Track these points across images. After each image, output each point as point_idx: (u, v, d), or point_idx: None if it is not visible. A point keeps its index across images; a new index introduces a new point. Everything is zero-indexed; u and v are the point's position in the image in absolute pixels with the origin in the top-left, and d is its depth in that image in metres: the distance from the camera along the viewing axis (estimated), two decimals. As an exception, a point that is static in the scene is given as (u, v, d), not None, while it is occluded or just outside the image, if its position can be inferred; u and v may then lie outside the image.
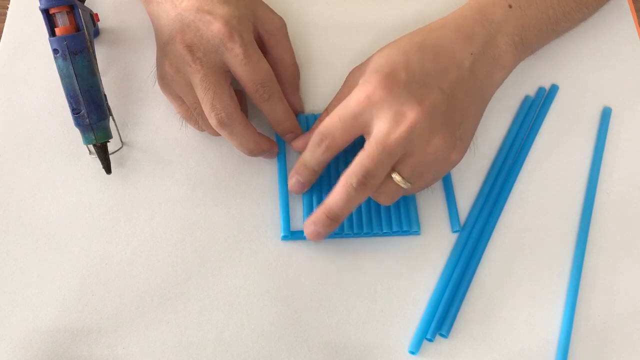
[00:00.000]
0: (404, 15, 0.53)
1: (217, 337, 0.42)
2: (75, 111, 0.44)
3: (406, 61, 0.42)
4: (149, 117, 0.48)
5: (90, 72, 0.44)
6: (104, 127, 0.45)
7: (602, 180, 0.48)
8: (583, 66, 0.52)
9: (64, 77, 0.43)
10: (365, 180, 0.40)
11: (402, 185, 0.42)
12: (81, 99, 0.43)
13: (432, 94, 0.41)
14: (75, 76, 0.43)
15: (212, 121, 0.43)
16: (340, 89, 0.47)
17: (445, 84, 0.42)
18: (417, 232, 0.45)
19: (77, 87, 0.43)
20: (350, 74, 0.47)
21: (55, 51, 0.43)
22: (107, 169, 0.45)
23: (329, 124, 0.42)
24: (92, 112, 0.44)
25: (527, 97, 0.51)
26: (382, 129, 0.40)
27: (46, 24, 0.44)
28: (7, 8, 0.52)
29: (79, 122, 0.44)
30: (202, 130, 0.46)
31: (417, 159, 0.41)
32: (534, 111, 0.50)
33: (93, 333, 0.42)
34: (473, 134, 0.44)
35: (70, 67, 0.43)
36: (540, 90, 0.51)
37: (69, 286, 0.43)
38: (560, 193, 0.48)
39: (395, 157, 0.40)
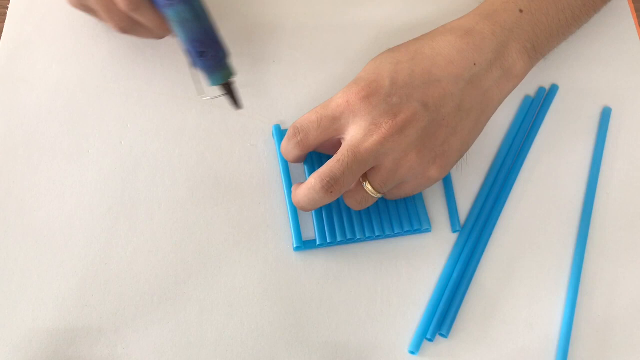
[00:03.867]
0: (407, 16, 0.53)
1: (217, 337, 0.42)
2: (200, 54, 0.41)
3: (394, 71, 0.41)
4: (149, 116, 0.48)
5: (206, 10, 0.42)
6: (228, 63, 0.43)
7: (602, 180, 0.48)
8: (583, 66, 0.52)
9: (184, 23, 0.41)
10: (329, 186, 0.40)
11: (372, 195, 0.42)
12: (205, 40, 0.41)
13: (411, 108, 0.40)
14: (196, 18, 0.41)
15: (123, 3, 0.41)
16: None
17: (431, 98, 0.41)
18: (428, 230, 0.45)
19: (199, 29, 0.41)
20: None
21: None
22: (238, 104, 0.44)
23: (306, 120, 0.42)
24: (217, 50, 0.42)
25: (527, 97, 0.51)
26: (355, 137, 0.40)
27: None
28: (7, 8, 0.52)
29: (206, 64, 0.42)
30: (115, 28, 0.45)
31: (389, 171, 0.40)
32: (534, 111, 0.50)
33: (93, 333, 0.42)
34: (462, 150, 0.43)
35: (191, 9, 0.41)
36: (540, 90, 0.51)
37: (69, 286, 0.43)
38: (560, 193, 0.48)
39: (365, 167, 0.40)
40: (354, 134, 0.40)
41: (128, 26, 0.44)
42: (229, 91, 0.43)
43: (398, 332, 0.43)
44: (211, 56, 0.42)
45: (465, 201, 0.47)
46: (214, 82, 0.43)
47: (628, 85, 0.52)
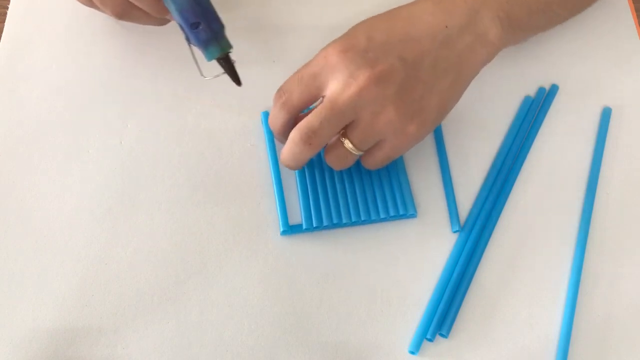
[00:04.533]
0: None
1: (217, 338, 0.42)
2: (193, 26, 0.41)
3: (370, 28, 0.42)
4: (149, 116, 0.48)
5: None
6: (223, 36, 0.42)
7: (602, 180, 0.48)
8: (583, 66, 0.52)
9: None
10: (307, 137, 0.40)
11: (353, 152, 0.42)
12: (198, 11, 0.41)
13: (388, 61, 0.41)
14: None
15: None
16: None
17: (408, 53, 0.41)
18: (413, 215, 0.46)
19: (191, 0, 0.40)
20: None
21: None
22: (238, 80, 0.43)
23: (289, 81, 0.43)
24: (211, 22, 0.41)
25: (527, 97, 0.51)
26: (333, 90, 0.40)
27: None
28: (7, 8, 0.52)
29: (200, 37, 0.41)
30: (111, 13, 0.45)
31: (367, 126, 0.41)
32: (534, 111, 0.50)
33: (93, 333, 0.42)
34: (440, 110, 0.43)
35: None
36: (540, 90, 0.51)
37: (69, 286, 0.43)
38: (560, 193, 0.48)
39: (343, 120, 0.41)
40: (332, 87, 0.41)
41: (124, 10, 0.44)
42: (228, 67, 0.43)
43: (398, 332, 0.43)
44: (204, 27, 0.41)
45: (465, 201, 0.47)
46: (210, 56, 0.42)
47: (628, 85, 0.52)
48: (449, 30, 0.43)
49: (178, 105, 0.49)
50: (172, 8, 0.41)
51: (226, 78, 0.43)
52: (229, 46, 0.42)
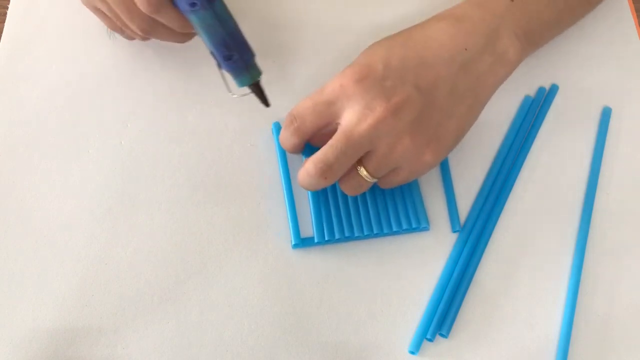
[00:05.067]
0: (408, 16, 0.53)
1: (217, 338, 0.42)
2: (226, 57, 0.41)
3: (387, 55, 0.41)
4: (149, 116, 0.48)
5: (229, 14, 0.41)
6: (254, 64, 0.43)
7: (602, 180, 0.48)
8: (583, 66, 0.52)
9: (207, 28, 0.41)
10: (322, 172, 0.40)
11: (367, 180, 0.42)
12: (231, 43, 0.41)
13: (405, 91, 0.40)
14: (220, 23, 0.41)
15: (143, 5, 0.40)
16: None
17: (424, 81, 0.41)
18: (426, 228, 0.45)
19: (224, 33, 0.41)
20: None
21: (192, 5, 0.40)
22: (266, 102, 0.44)
23: (302, 107, 0.42)
24: (243, 53, 0.42)
25: (527, 97, 0.51)
26: (349, 121, 0.40)
27: None
28: (7, 8, 0.52)
29: (232, 67, 0.42)
30: (132, 38, 0.46)
31: (383, 156, 0.41)
32: (534, 111, 0.50)
33: (93, 333, 0.42)
34: (457, 135, 0.43)
35: (213, 15, 0.40)
36: (540, 90, 0.51)
37: (69, 286, 0.43)
38: (560, 193, 0.48)
39: (359, 151, 0.40)
40: (348, 118, 0.40)
41: (149, 28, 0.43)
42: (257, 91, 0.43)
43: (398, 332, 0.43)
44: (237, 59, 0.42)
45: (465, 201, 0.47)
46: (241, 84, 0.43)
47: (628, 85, 0.52)
48: (468, 53, 0.42)
49: (178, 105, 0.49)
50: (206, 40, 0.41)
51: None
52: (259, 74, 0.43)
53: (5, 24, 0.51)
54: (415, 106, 0.40)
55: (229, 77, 0.43)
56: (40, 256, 0.44)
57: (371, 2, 0.53)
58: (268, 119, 0.48)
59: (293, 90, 0.50)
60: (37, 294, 0.43)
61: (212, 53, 0.42)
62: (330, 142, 0.40)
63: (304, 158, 0.45)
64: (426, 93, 0.41)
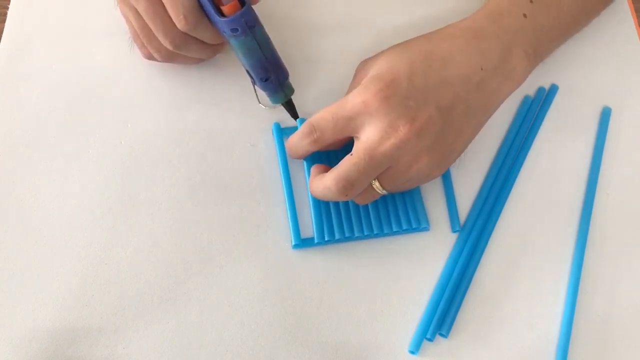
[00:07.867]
0: (407, 16, 0.53)
1: (217, 338, 0.42)
2: (263, 79, 0.44)
3: (410, 71, 0.41)
4: (149, 116, 0.48)
5: (268, 38, 0.43)
6: (288, 83, 0.46)
7: (602, 180, 0.48)
8: (583, 66, 0.52)
9: (248, 52, 0.43)
10: (345, 189, 0.40)
11: (379, 192, 0.42)
12: (268, 66, 0.44)
13: (427, 111, 0.40)
14: (259, 47, 0.43)
15: (180, 24, 0.41)
16: (350, 84, 0.46)
17: (445, 101, 0.41)
18: (426, 228, 0.46)
19: (262, 57, 0.43)
20: (358, 67, 0.46)
21: (234, 30, 0.41)
22: (296, 115, 0.47)
23: (322, 119, 0.42)
24: (279, 75, 0.45)
25: (526, 97, 0.51)
26: (371, 138, 0.40)
27: (210, 8, 0.41)
28: (7, 8, 0.52)
29: (268, 87, 0.45)
30: (150, 57, 0.46)
31: (400, 173, 0.41)
32: (533, 111, 0.50)
33: (93, 333, 0.42)
34: (463, 149, 0.43)
35: (253, 40, 0.42)
36: (540, 90, 0.51)
37: (69, 286, 0.43)
38: (560, 193, 0.48)
39: (380, 169, 0.40)
40: (370, 135, 0.40)
41: (182, 42, 0.43)
42: (289, 107, 0.46)
43: (398, 332, 0.43)
44: (273, 80, 0.44)
45: (465, 201, 0.47)
46: (276, 102, 0.46)
47: (628, 85, 0.52)
48: (483, 73, 0.42)
49: (178, 105, 0.49)
50: (244, 62, 0.44)
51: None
52: (292, 92, 0.46)
53: (5, 24, 0.51)
54: (436, 127, 0.40)
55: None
56: (40, 256, 0.44)
57: (372, 2, 0.53)
58: (268, 119, 0.48)
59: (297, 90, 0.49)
60: (37, 294, 0.43)
61: (248, 72, 0.44)
62: (351, 159, 0.40)
63: (304, 161, 0.45)
64: (445, 113, 0.41)
